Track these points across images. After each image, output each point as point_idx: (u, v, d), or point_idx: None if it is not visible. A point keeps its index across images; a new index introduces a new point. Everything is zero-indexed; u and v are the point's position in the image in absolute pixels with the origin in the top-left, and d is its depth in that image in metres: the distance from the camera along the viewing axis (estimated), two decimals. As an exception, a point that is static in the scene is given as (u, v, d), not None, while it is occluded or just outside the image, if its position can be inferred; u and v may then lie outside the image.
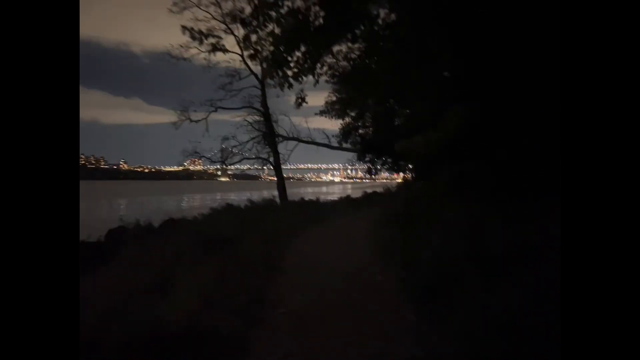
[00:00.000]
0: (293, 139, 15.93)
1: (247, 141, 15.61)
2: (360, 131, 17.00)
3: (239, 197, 14.19)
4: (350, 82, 16.45)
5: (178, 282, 3.86)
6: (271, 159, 15.65)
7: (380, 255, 5.44)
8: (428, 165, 9.56)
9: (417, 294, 3.87)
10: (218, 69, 15.38)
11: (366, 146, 16.14)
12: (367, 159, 17.68)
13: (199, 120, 15.37)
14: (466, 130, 7.61)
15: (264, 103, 15.48)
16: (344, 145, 17.14)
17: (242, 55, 15.30)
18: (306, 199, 14.88)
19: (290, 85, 7.09)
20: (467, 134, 7.68)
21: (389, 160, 18.20)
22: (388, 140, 14.47)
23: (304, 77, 7.32)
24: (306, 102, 8.10)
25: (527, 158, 5.91)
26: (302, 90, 8.22)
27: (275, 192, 15.51)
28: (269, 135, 15.35)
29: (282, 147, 16.13)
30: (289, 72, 6.97)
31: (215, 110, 15.32)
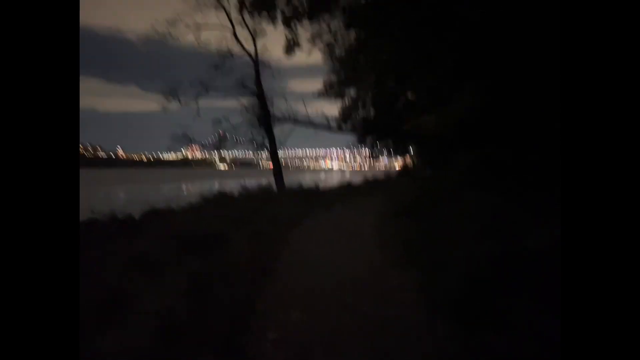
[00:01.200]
0: (290, 121, 14.89)
1: (241, 124, 14.57)
2: (361, 113, 16.02)
3: (237, 184, 13.24)
4: (349, 61, 15.52)
5: (137, 299, 2.96)
6: (266, 143, 14.63)
7: (392, 253, 4.55)
8: (439, 148, 8.58)
9: (448, 308, 2.99)
10: (210, 50, 14.31)
11: (368, 128, 15.15)
12: (368, 142, 16.76)
13: (189, 103, 14.31)
14: (484, 108, 6.69)
15: (257, 83, 14.39)
16: (344, 128, 16.17)
17: (233, 32, 14.20)
18: (305, 186, 13.95)
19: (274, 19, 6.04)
20: (486, 112, 6.76)
21: (391, 144, 17.33)
22: (391, 122, 13.55)
23: (297, 21, 6.24)
24: (299, 46, 7.04)
25: (555, 143, 5.02)
26: (294, 36, 7.09)
27: (272, 179, 14.59)
28: (264, 118, 14.29)
29: (278, 132, 15.09)
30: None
31: (206, 92, 14.24)
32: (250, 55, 14.42)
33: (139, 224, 6.39)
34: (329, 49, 15.76)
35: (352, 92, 16.57)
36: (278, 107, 14.82)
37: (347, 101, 16.65)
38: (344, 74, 16.00)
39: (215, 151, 15.65)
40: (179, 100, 14.11)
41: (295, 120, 14.87)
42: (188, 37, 20.43)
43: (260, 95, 14.33)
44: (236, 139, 14.78)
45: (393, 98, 14.21)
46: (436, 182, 6.93)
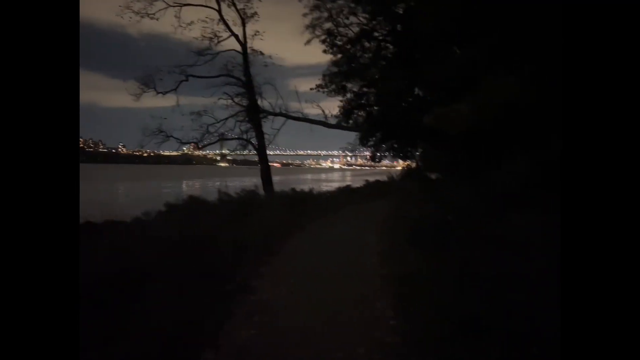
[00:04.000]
0: (281, 114, 13.03)
1: (226, 118, 12.71)
2: (366, 109, 14.26)
3: (232, 183, 11.58)
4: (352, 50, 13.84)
5: None
6: (254, 140, 12.77)
7: (412, 324, 2.70)
8: (472, 144, 6.47)
9: None
10: (194, 37, 12.67)
11: (371, 126, 13.31)
12: (371, 142, 14.99)
13: (167, 92, 12.54)
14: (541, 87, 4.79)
15: (246, 71, 12.57)
16: (345, 125, 14.36)
17: (219, 11, 12.43)
18: (298, 189, 12.10)
19: None
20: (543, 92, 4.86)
21: (395, 145, 15.58)
22: (398, 120, 11.77)
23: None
24: None
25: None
26: None
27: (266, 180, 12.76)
28: (252, 110, 12.44)
29: (267, 128, 13.26)
30: None
31: (187, 80, 12.44)
32: (238, 39, 12.65)
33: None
34: (330, 38, 14.08)
35: (354, 86, 14.85)
36: (268, 99, 13.04)
37: (349, 96, 14.89)
38: (346, 66, 14.27)
39: (195, 147, 13.88)
40: (155, 90, 12.36)
41: (287, 114, 13.05)
42: (169, 19, 18.66)
43: (249, 85, 12.51)
44: (221, 135, 12.95)
45: (401, 93, 12.46)
46: (469, 196, 5.04)
